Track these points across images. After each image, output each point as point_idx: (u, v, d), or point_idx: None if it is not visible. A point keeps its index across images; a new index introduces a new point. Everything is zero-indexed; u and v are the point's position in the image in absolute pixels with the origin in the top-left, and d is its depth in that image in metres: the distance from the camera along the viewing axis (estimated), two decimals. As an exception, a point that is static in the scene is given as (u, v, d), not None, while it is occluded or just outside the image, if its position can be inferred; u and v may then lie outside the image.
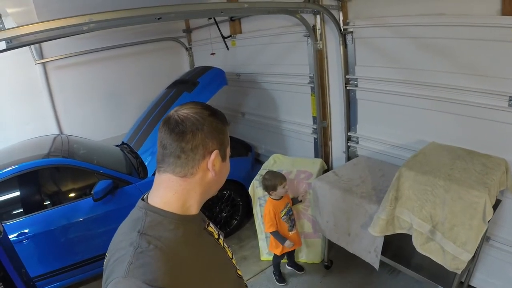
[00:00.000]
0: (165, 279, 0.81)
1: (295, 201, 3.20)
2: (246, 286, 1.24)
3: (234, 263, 1.18)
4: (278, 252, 3.10)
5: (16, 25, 2.63)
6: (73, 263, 3.16)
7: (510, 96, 2.25)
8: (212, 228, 1.13)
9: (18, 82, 4.58)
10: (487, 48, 2.32)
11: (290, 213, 3.07)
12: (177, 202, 0.96)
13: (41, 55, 4.67)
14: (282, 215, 3.01)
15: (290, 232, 3.07)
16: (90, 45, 4.89)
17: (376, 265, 2.59)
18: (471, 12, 2.34)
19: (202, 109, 0.97)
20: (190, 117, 0.94)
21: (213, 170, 0.98)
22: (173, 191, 0.96)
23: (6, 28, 2.88)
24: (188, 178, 0.96)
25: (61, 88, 4.92)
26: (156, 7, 2.11)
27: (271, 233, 3.03)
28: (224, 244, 1.15)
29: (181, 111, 0.95)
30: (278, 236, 3.01)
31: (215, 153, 0.97)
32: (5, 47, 1.94)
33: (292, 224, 3.08)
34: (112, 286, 0.82)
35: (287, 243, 3.00)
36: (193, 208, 1.00)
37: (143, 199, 1.00)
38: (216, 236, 1.12)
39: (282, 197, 3.02)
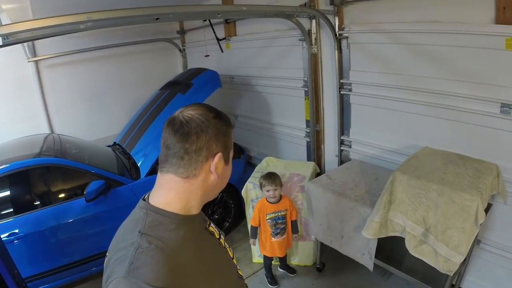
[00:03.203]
0: (165, 279, 0.81)
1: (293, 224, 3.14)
2: (247, 286, 1.24)
3: (235, 263, 1.18)
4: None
5: (11, 22, 2.60)
6: (65, 264, 3.11)
7: (502, 103, 2.30)
8: (213, 228, 1.13)
9: (10, 79, 4.52)
10: (480, 55, 2.36)
11: (279, 221, 3.04)
12: (179, 203, 0.96)
13: (34, 53, 4.61)
14: (267, 217, 3.02)
15: (273, 238, 3.07)
16: (83, 44, 4.85)
17: (370, 267, 2.62)
18: (466, 20, 2.39)
19: (207, 111, 0.97)
20: (195, 118, 0.93)
21: (215, 172, 0.98)
22: (175, 192, 0.96)
23: (2, 24, 2.85)
24: (190, 180, 0.96)
25: (53, 86, 4.86)
26: (154, 7, 2.11)
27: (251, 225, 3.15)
28: (225, 244, 1.15)
29: (186, 112, 0.95)
30: (253, 230, 3.15)
31: (218, 156, 0.96)
32: (1, 43, 1.91)
33: (277, 232, 3.05)
34: (113, 286, 0.81)
35: (251, 241, 3.19)
36: (194, 209, 1.00)
37: (144, 199, 0.99)
38: (217, 236, 1.12)
39: (279, 201, 3.02)
